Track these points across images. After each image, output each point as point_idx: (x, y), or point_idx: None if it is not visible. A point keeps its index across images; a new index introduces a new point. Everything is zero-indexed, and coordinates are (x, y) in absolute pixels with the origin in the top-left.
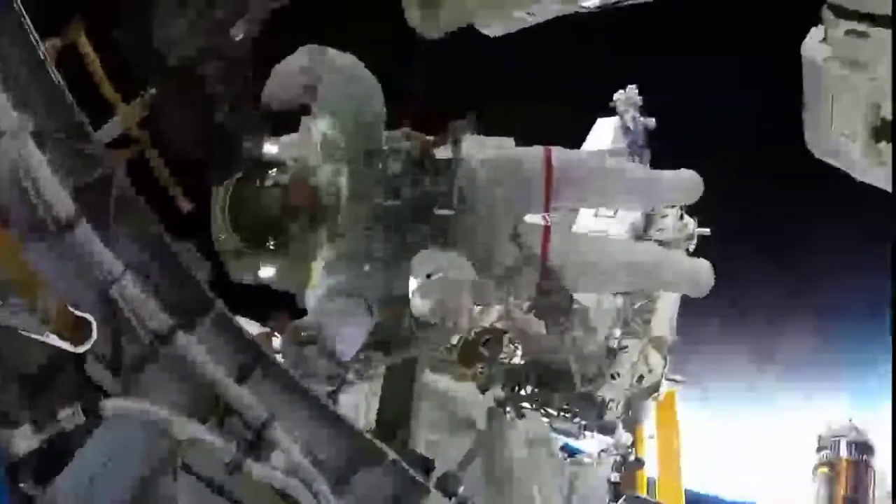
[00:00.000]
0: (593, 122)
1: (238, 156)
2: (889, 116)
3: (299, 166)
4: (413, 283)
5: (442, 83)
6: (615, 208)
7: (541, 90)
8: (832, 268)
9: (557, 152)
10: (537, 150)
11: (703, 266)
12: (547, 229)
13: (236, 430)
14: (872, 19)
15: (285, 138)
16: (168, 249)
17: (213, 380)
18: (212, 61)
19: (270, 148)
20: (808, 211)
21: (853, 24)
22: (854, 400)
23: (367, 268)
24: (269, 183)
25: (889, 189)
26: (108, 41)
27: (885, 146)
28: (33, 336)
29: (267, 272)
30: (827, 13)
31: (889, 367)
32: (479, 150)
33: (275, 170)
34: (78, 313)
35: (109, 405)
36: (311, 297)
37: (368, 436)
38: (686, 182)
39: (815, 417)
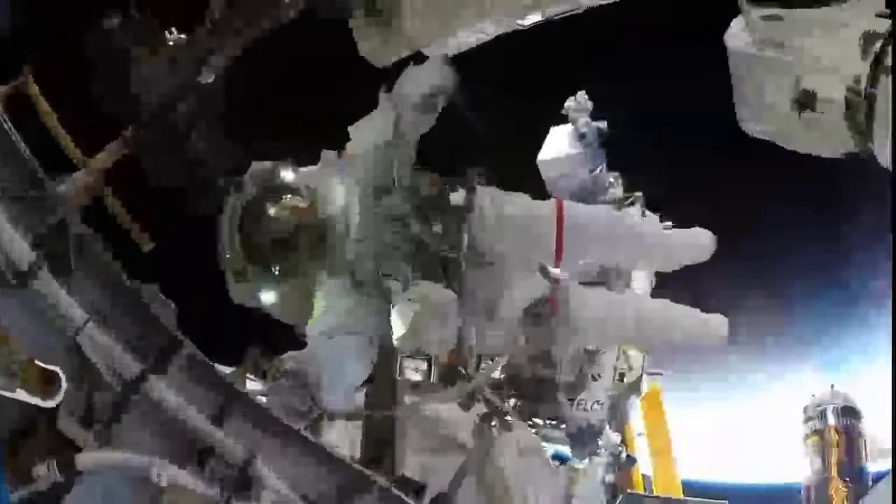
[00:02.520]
0: (546, 131)
1: (215, 192)
2: (811, 86)
3: (313, 193)
4: (394, 311)
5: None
6: (625, 267)
7: (489, 106)
8: (785, 245)
9: (570, 207)
10: (549, 204)
11: (716, 321)
12: (556, 283)
13: (218, 472)
14: (786, 2)
15: (304, 170)
16: (131, 292)
17: (189, 422)
18: (186, 101)
19: (286, 174)
20: (757, 192)
21: (769, 10)
22: (823, 372)
23: (370, 306)
24: (281, 206)
25: (824, 155)
26: (64, 90)
27: (810, 114)
28: (1, 393)
29: (269, 297)
30: (744, 2)
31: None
32: (492, 200)
33: (289, 195)
34: (45, 366)
35: (86, 459)
36: (311, 332)
37: (356, 465)
38: (698, 241)
39: (789, 392)
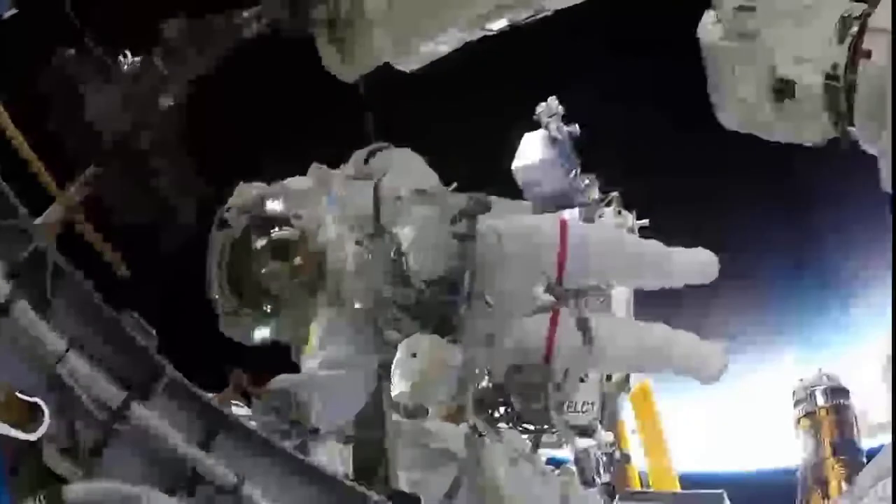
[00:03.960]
0: (519, 137)
1: (184, 222)
2: (787, 75)
3: (304, 225)
4: (395, 363)
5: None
6: (627, 286)
7: (460, 114)
8: (756, 235)
9: (574, 227)
10: (553, 223)
11: (715, 350)
12: (555, 313)
13: (209, 497)
14: None
15: (293, 182)
16: (111, 320)
17: (176, 448)
18: (146, 131)
19: (273, 204)
20: (728, 185)
21: (741, 0)
22: (805, 356)
23: (368, 339)
24: (269, 243)
25: (803, 143)
26: (36, 122)
27: (789, 103)
28: None
29: (262, 333)
30: None
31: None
32: (492, 226)
33: (276, 228)
34: (26, 398)
35: (75, 491)
36: (306, 363)
37: (348, 482)
38: (701, 262)
39: (773, 378)
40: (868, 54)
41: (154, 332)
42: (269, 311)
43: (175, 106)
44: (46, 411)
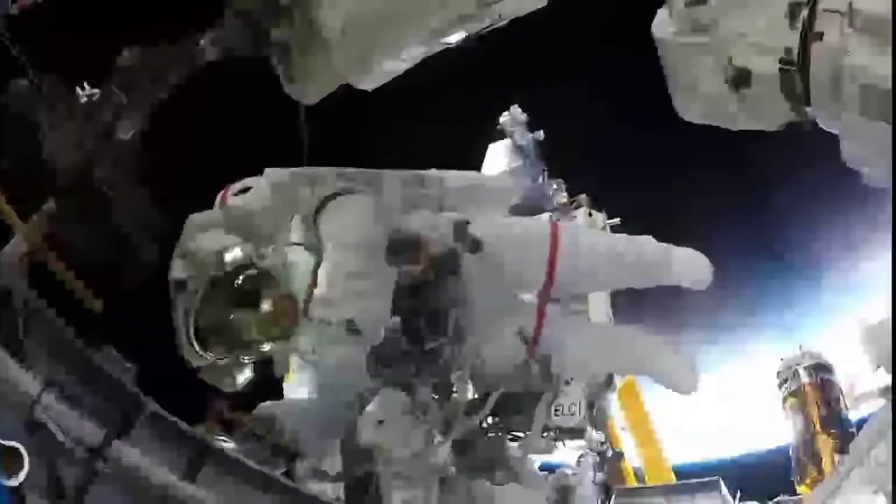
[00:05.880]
0: (485, 148)
1: (145, 255)
2: (743, 63)
3: (270, 264)
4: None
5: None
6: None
7: (425, 128)
8: (718, 226)
9: (566, 235)
10: (544, 231)
11: (685, 360)
12: (541, 317)
13: None
14: None
15: (252, 202)
16: (85, 357)
17: (160, 482)
18: (104, 164)
19: (233, 254)
20: (690, 175)
21: None
22: (774, 337)
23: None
24: (236, 295)
25: (764, 129)
26: None
27: (748, 91)
28: None
29: (242, 378)
30: None
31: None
32: (483, 222)
33: (241, 278)
34: (5, 443)
35: None
36: (290, 392)
37: None
38: (694, 265)
39: (751, 362)
40: (820, 36)
41: (130, 365)
42: (246, 359)
43: (132, 140)
44: (26, 456)
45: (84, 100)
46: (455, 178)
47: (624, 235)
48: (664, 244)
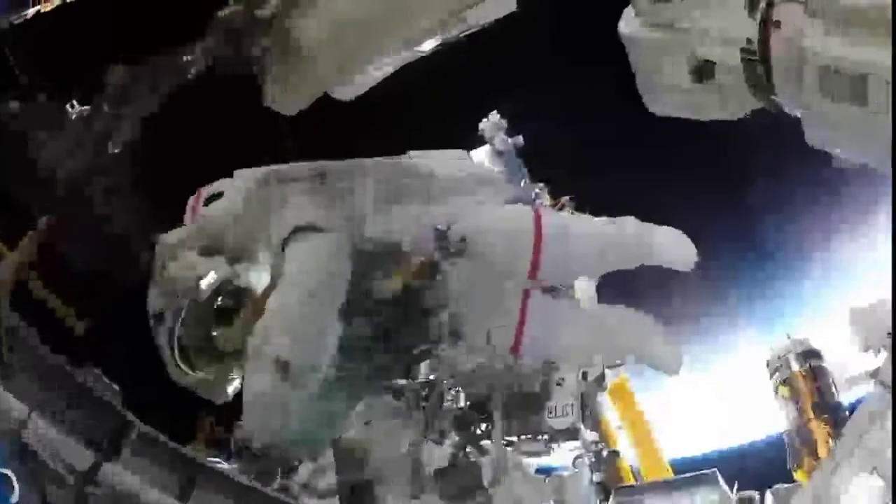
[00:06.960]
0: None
1: (138, 265)
2: (707, 55)
3: (249, 281)
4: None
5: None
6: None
7: (404, 134)
8: (698, 221)
9: (548, 218)
10: (527, 218)
11: (672, 348)
12: (523, 312)
13: None
14: None
15: (219, 215)
16: (71, 380)
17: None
18: (96, 177)
19: (210, 278)
20: (668, 171)
21: None
22: (760, 329)
23: (333, 390)
24: (216, 314)
25: (733, 118)
26: None
27: (713, 82)
28: None
29: (234, 388)
30: None
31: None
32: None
33: (220, 298)
34: None
35: None
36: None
37: None
38: (676, 242)
39: (739, 355)
40: (778, 24)
41: (117, 386)
42: (234, 377)
43: (124, 151)
44: (14, 480)
45: (74, 115)
46: (443, 164)
47: (605, 217)
48: (646, 223)
